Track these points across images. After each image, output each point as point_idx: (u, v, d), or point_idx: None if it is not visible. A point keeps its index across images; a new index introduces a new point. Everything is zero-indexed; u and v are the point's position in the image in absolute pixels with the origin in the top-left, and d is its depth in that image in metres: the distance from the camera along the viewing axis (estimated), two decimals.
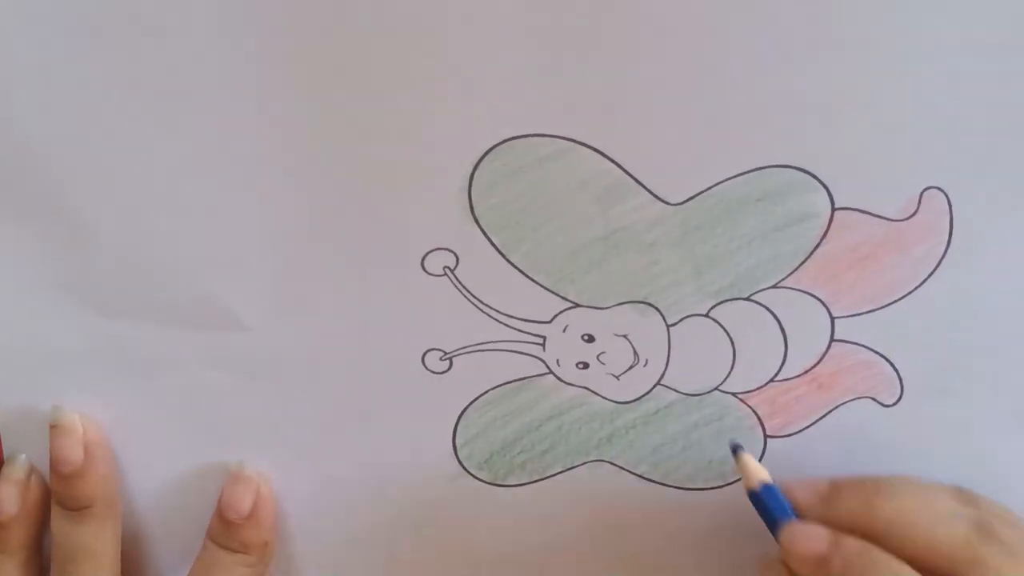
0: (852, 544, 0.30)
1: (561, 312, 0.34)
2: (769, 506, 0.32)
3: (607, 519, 0.36)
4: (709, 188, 0.32)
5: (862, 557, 0.30)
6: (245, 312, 0.34)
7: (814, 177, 0.32)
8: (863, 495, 0.31)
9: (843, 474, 0.33)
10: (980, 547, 0.29)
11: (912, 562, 0.29)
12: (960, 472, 0.33)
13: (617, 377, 0.35)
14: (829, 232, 0.33)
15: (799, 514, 0.32)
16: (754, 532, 0.35)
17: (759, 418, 0.35)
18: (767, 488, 0.33)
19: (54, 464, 0.34)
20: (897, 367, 0.34)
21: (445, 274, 0.33)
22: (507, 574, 0.37)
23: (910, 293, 0.33)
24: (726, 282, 0.33)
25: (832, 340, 0.34)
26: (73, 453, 0.34)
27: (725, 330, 0.34)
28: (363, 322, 0.34)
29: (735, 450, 0.34)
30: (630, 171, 0.32)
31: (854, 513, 0.31)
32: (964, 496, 0.31)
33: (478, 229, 0.33)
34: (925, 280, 0.33)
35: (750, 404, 0.35)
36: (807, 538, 0.31)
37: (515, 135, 0.31)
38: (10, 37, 0.30)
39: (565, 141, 0.31)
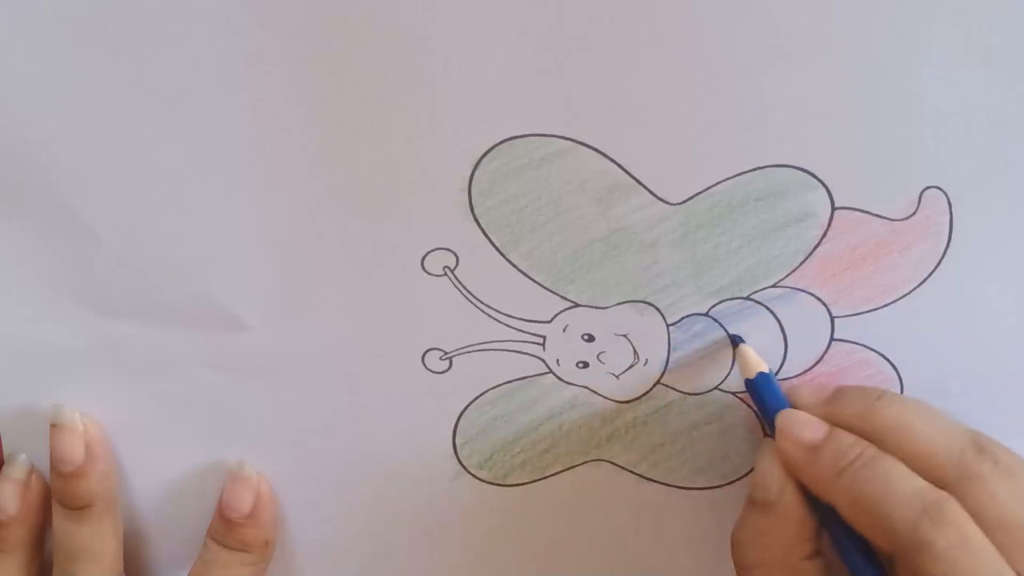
0: (846, 436, 0.30)
1: (561, 312, 0.34)
2: (764, 394, 0.32)
3: (607, 519, 0.36)
4: (709, 188, 0.32)
5: (854, 449, 0.30)
6: (245, 312, 0.34)
7: (814, 176, 0.32)
8: (866, 398, 0.31)
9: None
10: (976, 460, 0.29)
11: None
12: None
13: (617, 376, 0.35)
14: (829, 231, 0.33)
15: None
16: None
17: (759, 418, 0.35)
18: (763, 376, 0.33)
19: (55, 463, 0.34)
20: (897, 367, 0.34)
21: (445, 274, 0.33)
22: (507, 574, 0.37)
23: (910, 293, 0.33)
24: (726, 281, 0.33)
25: (832, 339, 0.34)
26: (74, 452, 0.34)
27: (725, 329, 0.34)
28: (363, 322, 0.34)
29: (735, 342, 0.34)
30: (630, 171, 0.32)
31: (855, 415, 0.31)
32: (976, 431, 0.31)
33: (478, 229, 0.33)
34: (925, 280, 0.33)
35: (750, 404, 0.35)
36: (802, 425, 0.31)
37: (515, 135, 0.31)
38: (10, 37, 0.30)
39: (565, 141, 0.31)
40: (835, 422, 0.31)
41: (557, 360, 0.34)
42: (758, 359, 0.33)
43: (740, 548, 0.32)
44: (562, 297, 0.34)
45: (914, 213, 0.32)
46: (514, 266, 0.33)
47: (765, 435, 0.34)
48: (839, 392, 0.32)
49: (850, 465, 0.29)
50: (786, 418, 0.31)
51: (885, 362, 0.34)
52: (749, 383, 0.33)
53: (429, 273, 0.33)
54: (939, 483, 0.29)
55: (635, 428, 0.35)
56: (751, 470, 0.35)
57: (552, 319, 0.34)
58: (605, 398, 0.35)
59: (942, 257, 0.33)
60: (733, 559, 0.32)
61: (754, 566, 0.31)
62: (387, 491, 0.36)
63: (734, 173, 0.32)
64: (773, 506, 0.31)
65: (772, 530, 0.31)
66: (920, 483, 0.28)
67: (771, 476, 0.31)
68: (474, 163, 0.32)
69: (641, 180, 0.32)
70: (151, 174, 0.32)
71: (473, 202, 0.32)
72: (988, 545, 0.27)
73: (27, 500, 0.35)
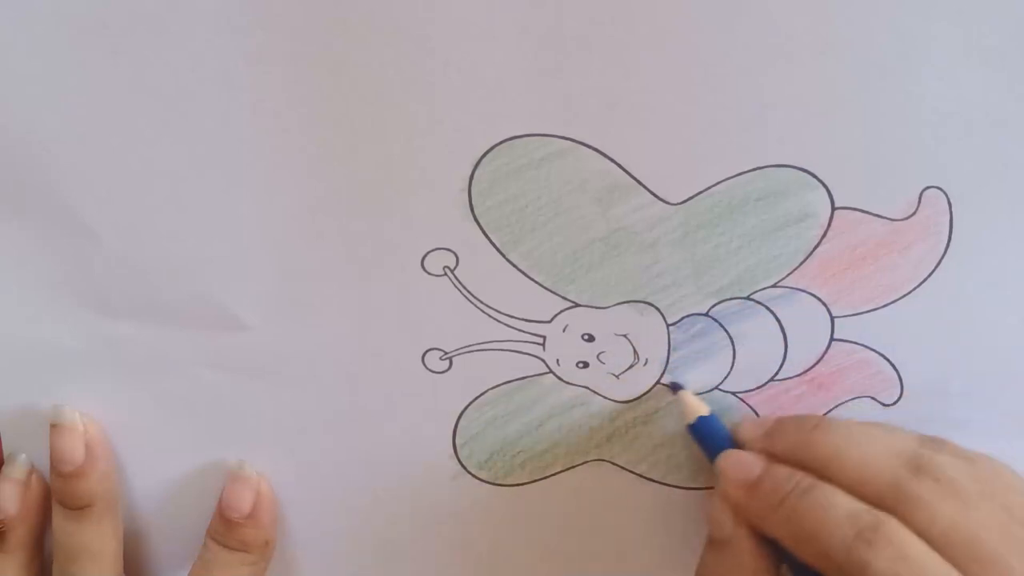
0: (782, 469, 0.30)
1: (561, 312, 0.34)
2: (706, 437, 0.33)
3: (607, 519, 0.36)
4: (709, 188, 0.32)
5: (790, 481, 0.30)
6: (245, 312, 0.34)
7: (814, 176, 0.32)
8: (801, 430, 0.31)
9: None
10: (913, 482, 0.28)
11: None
12: None
13: (617, 376, 0.35)
14: (829, 231, 0.33)
15: (743, 449, 0.32)
16: None
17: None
18: (704, 419, 0.33)
19: (55, 463, 0.34)
20: (897, 367, 0.34)
21: (445, 274, 0.33)
22: (507, 573, 0.37)
23: (910, 293, 0.33)
24: (726, 281, 0.33)
25: (832, 339, 0.34)
26: (74, 452, 0.34)
27: (725, 330, 0.34)
28: (363, 322, 0.34)
29: (674, 389, 0.34)
30: (630, 171, 0.32)
31: (792, 446, 0.31)
32: (927, 441, 0.30)
33: (478, 229, 0.33)
34: (925, 280, 0.33)
35: (750, 403, 0.35)
36: (739, 464, 0.31)
37: (515, 135, 0.31)
38: (10, 37, 0.30)
39: (565, 141, 0.31)
40: (774, 455, 0.31)
41: (557, 360, 0.34)
42: (698, 403, 0.34)
43: None
44: (562, 297, 0.34)
45: (914, 213, 0.32)
46: (514, 266, 0.33)
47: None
48: (777, 425, 0.32)
49: (787, 497, 0.30)
50: (724, 460, 0.32)
51: (885, 362, 0.34)
52: (691, 428, 0.34)
53: (429, 273, 0.33)
54: (880, 507, 0.28)
55: (635, 428, 0.35)
56: None
57: (552, 319, 0.34)
58: (605, 398, 0.35)
59: (942, 257, 0.33)
60: None
61: None
62: (387, 491, 0.36)
63: (734, 173, 0.32)
64: (728, 544, 0.31)
65: (730, 568, 0.31)
66: (856, 506, 0.28)
67: (723, 515, 0.31)
68: (474, 163, 0.32)
69: (641, 180, 0.32)
70: (151, 174, 0.32)
71: (473, 202, 0.32)
72: (935, 559, 0.27)
73: (27, 500, 0.35)
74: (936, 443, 0.30)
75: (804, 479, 0.30)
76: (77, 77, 0.31)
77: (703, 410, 0.34)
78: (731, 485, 0.31)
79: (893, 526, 0.27)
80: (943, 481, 0.28)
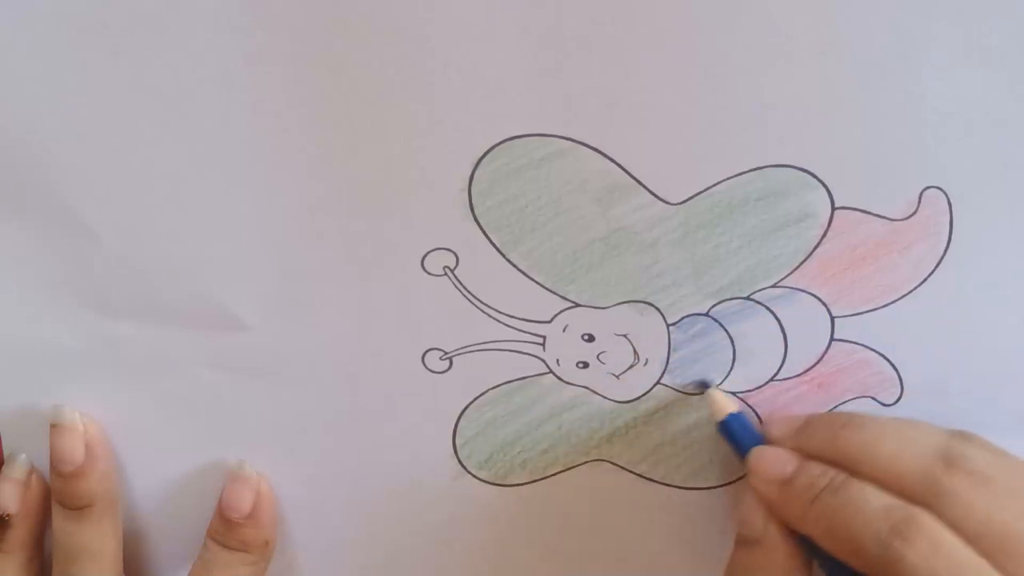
0: (816, 466, 0.30)
1: (561, 312, 0.34)
2: (737, 434, 0.33)
3: (607, 519, 0.36)
4: (709, 188, 0.32)
5: (824, 478, 0.30)
6: (245, 312, 0.34)
7: (814, 176, 0.32)
8: (832, 427, 0.31)
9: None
10: (945, 475, 0.28)
11: None
12: None
13: (617, 376, 0.35)
14: (829, 231, 0.33)
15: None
16: None
17: (759, 418, 0.35)
18: (734, 416, 0.33)
19: (55, 463, 0.34)
20: (897, 367, 0.34)
21: (445, 274, 0.33)
22: (507, 573, 0.37)
23: (910, 293, 0.33)
24: (726, 281, 0.33)
25: (832, 339, 0.34)
26: (74, 452, 0.34)
27: (725, 329, 0.34)
28: (363, 322, 0.34)
29: (702, 387, 0.34)
30: (630, 171, 0.32)
31: (823, 443, 0.31)
32: (956, 434, 0.30)
33: (478, 229, 0.33)
34: (925, 280, 0.33)
35: (750, 404, 0.35)
36: (773, 460, 0.31)
37: (515, 135, 0.31)
38: (10, 37, 0.30)
39: (565, 141, 0.31)
40: (806, 452, 0.31)
41: (557, 360, 0.34)
42: (727, 400, 0.34)
43: None
44: (562, 297, 0.34)
45: (914, 213, 0.32)
46: (514, 266, 0.33)
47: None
48: (808, 422, 0.32)
49: (820, 494, 0.30)
50: (757, 456, 0.32)
51: (885, 362, 0.34)
52: (721, 425, 0.33)
53: (429, 273, 0.33)
54: (913, 501, 0.28)
55: (635, 428, 0.35)
56: None
57: (552, 319, 0.34)
58: (605, 398, 0.35)
59: (942, 257, 0.33)
60: None
61: None
62: (387, 491, 0.36)
63: (734, 173, 0.32)
64: (759, 543, 0.31)
65: (762, 566, 0.31)
66: (890, 501, 0.28)
67: (754, 513, 0.31)
68: (474, 163, 0.32)
69: (641, 180, 0.32)
70: (151, 174, 0.32)
71: (473, 202, 0.32)
72: (968, 553, 0.27)
73: (27, 500, 0.35)
74: (965, 436, 0.30)
75: (837, 475, 0.30)
76: (77, 77, 0.31)
77: (732, 407, 0.33)
78: (764, 482, 0.31)
79: (927, 520, 0.28)
80: (975, 474, 0.28)
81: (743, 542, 0.32)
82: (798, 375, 0.34)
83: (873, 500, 0.29)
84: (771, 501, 0.31)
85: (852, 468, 0.30)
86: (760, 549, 0.31)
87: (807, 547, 0.31)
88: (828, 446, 0.31)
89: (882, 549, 0.28)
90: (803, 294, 0.33)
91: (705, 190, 0.32)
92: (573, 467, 0.36)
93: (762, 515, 0.31)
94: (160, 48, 0.30)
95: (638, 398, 0.35)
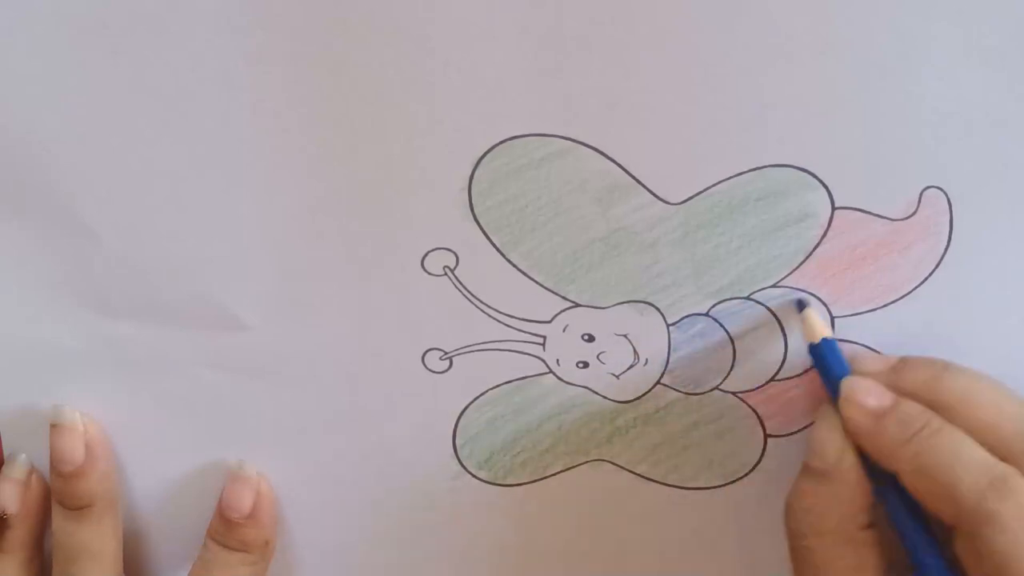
0: (913, 405, 0.30)
1: (561, 312, 0.34)
2: (828, 359, 0.32)
3: (607, 519, 0.36)
4: (709, 188, 0.32)
5: (921, 418, 0.29)
6: (245, 312, 0.34)
7: (814, 176, 0.32)
8: (932, 369, 0.31)
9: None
10: None
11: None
12: None
13: (617, 376, 0.35)
14: (829, 231, 0.33)
15: None
16: (754, 532, 0.36)
17: (759, 417, 0.35)
18: (827, 342, 0.32)
19: (55, 463, 0.34)
20: None
21: (445, 274, 0.33)
22: (507, 573, 0.37)
23: (910, 293, 0.33)
24: (726, 281, 0.33)
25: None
26: (74, 452, 0.34)
27: (725, 330, 0.34)
28: (363, 322, 0.34)
29: (800, 306, 0.33)
30: (630, 171, 0.32)
31: (921, 385, 0.31)
32: None
33: (478, 229, 0.33)
34: (925, 280, 0.33)
35: (750, 403, 0.35)
36: (868, 391, 0.31)
37: (515, 135, 0.31)
38: (10, 37, 0.30)
39: (565, 141, 0.31)
40: (900, 391, 0.31)
41: (557, 360, 0.34)
42: (823, 324, 0.33)
43: (795, 515, 0.32)
44: (562, 297, 0.34)
45: (914, 213, 0.32)
46: (514, 266, 0.33)
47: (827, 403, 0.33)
48: (904, 362, 0.32)
49: (917, 434, 0.29)
50: (852, 384, 0.31)
51: None
52: (813, 348, 0.33)
53: (429, 273, 0.33)
54: (1003, 457, 0.28)
55: (635, 428, 0.35)
56: (751, 470, 0.35)
57: (552, 319, 0.34)
58: (605, 398, 0.35)
59: (942, 257, 0.33)
60: (787, 526, 0.32)
61: (809, 534, 0.31)
62: (387, 491, 0.36)
63: (734, 173, 0.32)
64: (830, 473, 0.31)
65: (828, 498, 0.31)
66: (986, 455, 0.28)
67: (830, 443, 0.31)
68: (474, 163, 0.32)
69: (641, 180, 0.32)
70: (151, 174, 0.32)
71: (473, 202, 0.32)
72: None
73: (27, 500, 0.35)
74: None
75: (935, 419, 0.29)
76: (77, 77, 0.31)
77: (827, 332, 0.33)
78: (858, 411, 0.30)
79: (1021, 481, 0.28)
80: None
81: (812, 472, 0.31)
82: (798, 375, 0.34)
83: (972, 451, 0.28)
84: (861, 431, 0.30)
85: (948, 414, 0.30)
86: (830, 480, 0.31)
87: (875, 487, 0.30)
88: (925, 388, 0.30)
89: (978, 501, 0.27)
90: (803, 294, 0.33)
91: (705, 190, 0.32)
92: (573, 467, 0.36)
93: (838, 446, 0.31)
94: (160, 48, 0.30)
95: (638, 398, 0.35)
